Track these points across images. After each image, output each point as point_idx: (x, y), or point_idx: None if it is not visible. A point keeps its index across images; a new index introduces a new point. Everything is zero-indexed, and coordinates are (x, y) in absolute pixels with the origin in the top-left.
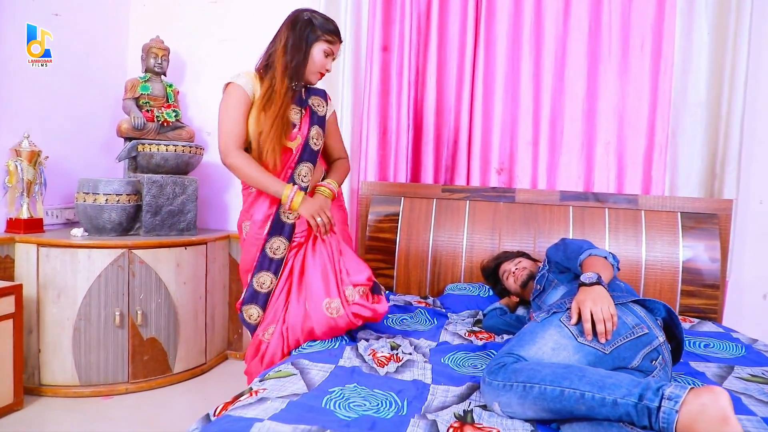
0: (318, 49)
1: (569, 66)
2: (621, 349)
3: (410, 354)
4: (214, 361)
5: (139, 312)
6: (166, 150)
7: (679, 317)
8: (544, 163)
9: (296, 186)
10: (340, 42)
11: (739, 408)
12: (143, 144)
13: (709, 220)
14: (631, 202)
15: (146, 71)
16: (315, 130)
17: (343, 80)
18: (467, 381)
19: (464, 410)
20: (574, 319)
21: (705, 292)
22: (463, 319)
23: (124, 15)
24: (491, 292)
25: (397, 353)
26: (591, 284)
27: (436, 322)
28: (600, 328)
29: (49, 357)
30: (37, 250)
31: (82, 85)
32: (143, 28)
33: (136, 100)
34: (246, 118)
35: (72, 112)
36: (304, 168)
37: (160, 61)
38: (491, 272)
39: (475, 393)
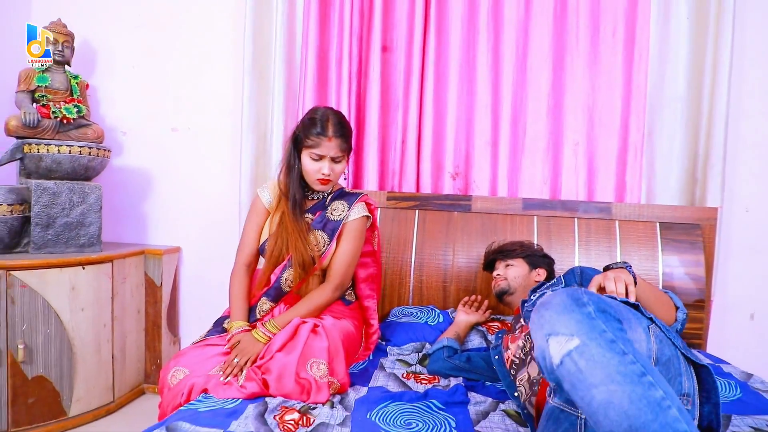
0: (305, 158)
1: (532, 56)
2: None
3: (330, 410)
4: (125, 398)
5: (20, 347)
6: (59, 151)
7: None
8: (505, 166)
9: (242, 329)
10: (330, 138)
11: None
12: (29, 144)
13: (691, 232)
14: (603, 211)
15: None
16: (314, 235)
17: (274, 74)
18: None
19: None
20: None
21: (688, 315)
22: (407, 354)
23: None
24: (441, 318)
25: (310, 412)
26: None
27: (370, 359)
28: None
29: None
30: None
31: None
32: (47, 11)
33: (32, 93)
34: (260, 230)
35: None
36: (292, 273)
37: (60, 48)
38: (487, 266)
39: None
